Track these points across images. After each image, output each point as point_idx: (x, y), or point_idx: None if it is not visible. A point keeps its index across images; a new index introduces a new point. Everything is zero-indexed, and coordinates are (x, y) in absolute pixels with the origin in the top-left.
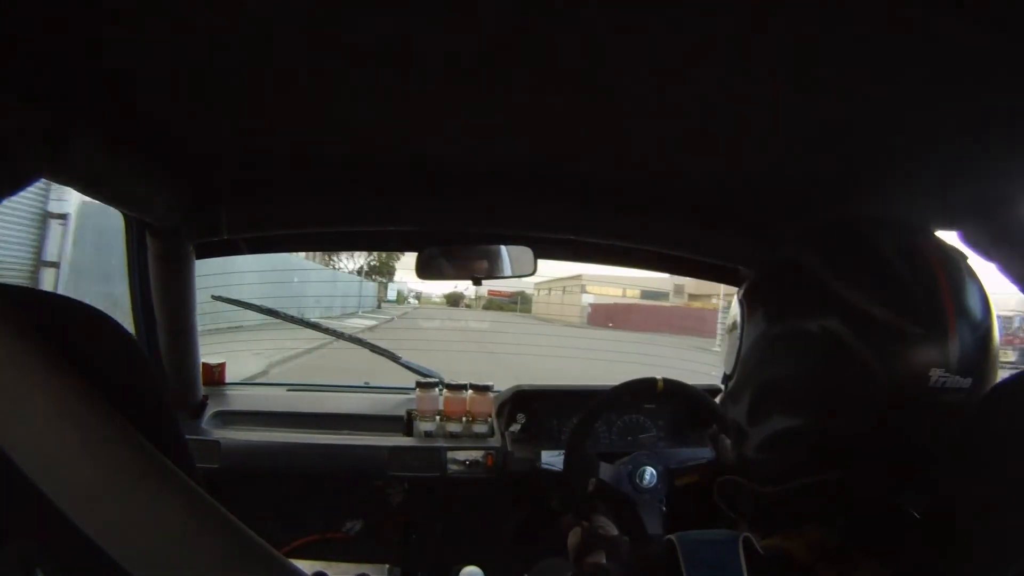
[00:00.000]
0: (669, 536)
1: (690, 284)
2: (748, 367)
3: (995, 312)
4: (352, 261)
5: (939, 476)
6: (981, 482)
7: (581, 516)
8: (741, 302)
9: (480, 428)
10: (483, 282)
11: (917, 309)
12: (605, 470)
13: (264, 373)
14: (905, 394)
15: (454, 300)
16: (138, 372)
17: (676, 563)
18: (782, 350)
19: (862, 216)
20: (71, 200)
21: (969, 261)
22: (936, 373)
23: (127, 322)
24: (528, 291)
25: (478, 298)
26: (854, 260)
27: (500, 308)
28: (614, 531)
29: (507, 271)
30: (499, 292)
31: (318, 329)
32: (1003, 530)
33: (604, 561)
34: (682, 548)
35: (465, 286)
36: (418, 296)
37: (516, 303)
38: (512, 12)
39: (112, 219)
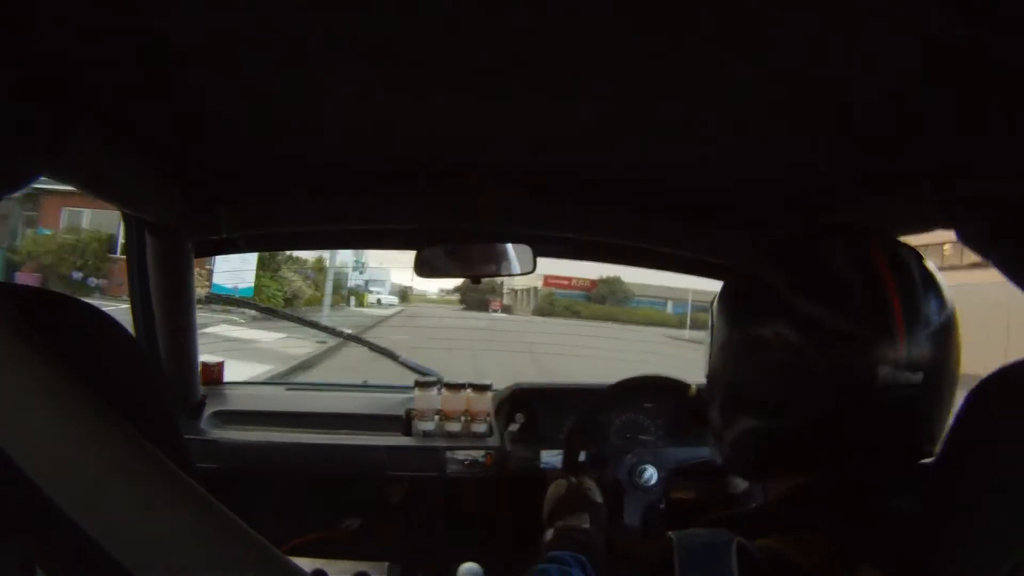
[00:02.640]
0: (668, 533)
1: None
2: (715, 371)
3: (954, 307)
4: None
5: (934, 475)
6: (975, 478)
7: (570, 472)
8: (711, 309)
9: (479, 427)
10: (530, 273)
11: (862, 311)
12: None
13: None
14: (853, 392)
15: (475, 299)
16: (138, 371)
17: (670, 560)
18: (740, 355)
19: (814, 226)
20: None
21: (925, 262)
22: (884, 371)
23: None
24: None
25: (525, 291)
26: (802, 268)
27: (574, 311)
28: (599, 498)
29: (506, 269)
30: (563, 281)
31: (316, 327)
32: (999, 526)
33: (588, 525)
34: (679, 545)
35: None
36: (404, 293)
37: (604, 300)
38: (511, 13)
39: None
